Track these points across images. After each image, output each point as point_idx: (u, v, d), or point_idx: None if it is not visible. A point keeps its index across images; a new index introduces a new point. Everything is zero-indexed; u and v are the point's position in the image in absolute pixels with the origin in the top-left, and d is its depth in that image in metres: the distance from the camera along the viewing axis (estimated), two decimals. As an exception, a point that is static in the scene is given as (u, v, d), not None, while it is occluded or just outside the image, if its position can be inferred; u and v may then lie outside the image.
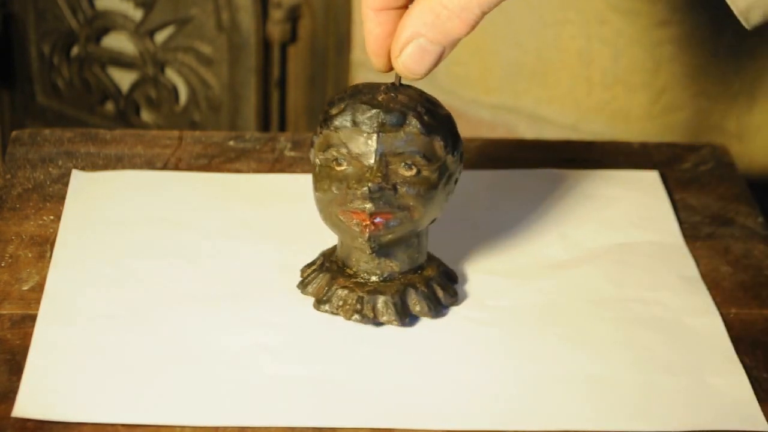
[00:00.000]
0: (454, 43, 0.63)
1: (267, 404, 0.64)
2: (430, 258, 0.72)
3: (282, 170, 0.83)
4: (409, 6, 0.63)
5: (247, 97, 1.35)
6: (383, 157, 0.66)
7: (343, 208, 0.67)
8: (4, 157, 0.83)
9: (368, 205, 0.66)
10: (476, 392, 0.66)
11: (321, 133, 0.67)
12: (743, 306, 0.73)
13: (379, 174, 0.66)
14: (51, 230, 0.76)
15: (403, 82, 0.67)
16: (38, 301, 0.70)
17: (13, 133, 0.84)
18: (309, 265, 0.72)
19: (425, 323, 0.70)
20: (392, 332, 0.69)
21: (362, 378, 0.66)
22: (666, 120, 1.18)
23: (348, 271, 0.70)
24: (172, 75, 1.40)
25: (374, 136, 0.66)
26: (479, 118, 1.26)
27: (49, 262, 0.73)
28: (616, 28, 1.16)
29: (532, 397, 0.66)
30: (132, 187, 0.80)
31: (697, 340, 0.70)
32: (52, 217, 0.77)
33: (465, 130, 0.84)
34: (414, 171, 0.66)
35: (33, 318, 0.69)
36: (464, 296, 0.72)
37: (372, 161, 0.66)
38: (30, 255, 0.73)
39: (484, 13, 0.62)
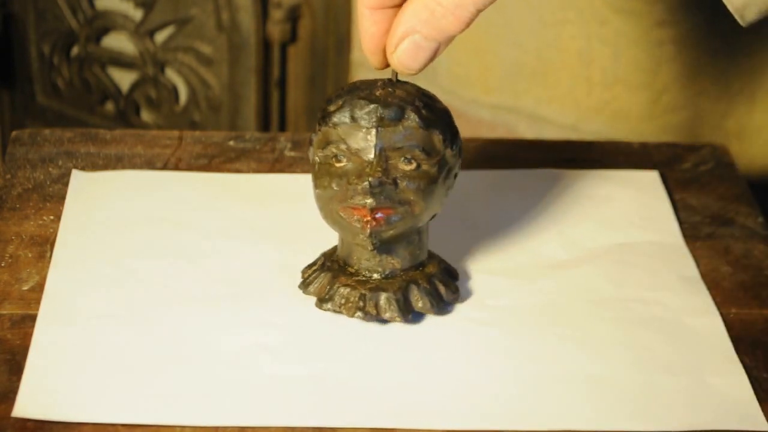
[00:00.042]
0: (449, 40, 0.64)
1: (267, 404, 0.64)
2: (431, 255, 0.72)
3: (282, 170, 0.83)
4: (405, 3, 0.64)
5: (247, 97, 1.35)
6: (383, 152, 0.66)
7: (344, 205, 0.67)
8: (4, 157, 0.83)
9: (369, 201, 0.66)
10: (476, 392, 0.66)
11: (319, 130, 0.67)
12: (743, 306, 0.74)
13: (379, 169, 0.66)
14: (51, 230, 0.76)
15: (400, 78, 0.67)
16: (38, 301, 0.70)
17: (13, 133, 0.84)
18: (310, 266, 0.72)
19: (425, 323, 0.70)
20: (392, 332, 0.69)
21: (362, 378, 0.66)
22: (666, 120, 1.18)
23: (349, 269, 0.70)
24: (172, 75, 1.40)
25: (373, 131, 0.66)
26: (479, 118, 1.26)
27: (49, 262, 0.73)
28: (616, 28, 1.16)
29: (533, 397, 0.66)
30: (132, 187, 0.80)
31: (697, 340, 0.70)
32: (52, 217, 0.77)
33: (465, 130, 0.84)
34: (414, 165, 0.67)
35: (33, 318, 0.69)
36: (464, 296, 0.72)
37: (372, 156, 0.66)
38: (30, 255, 0.73)
39: (478, 11, 0.63)
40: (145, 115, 1.45)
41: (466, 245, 0.77)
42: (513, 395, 0.66)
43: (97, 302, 0.70)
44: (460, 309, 0.72)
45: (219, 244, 0.75)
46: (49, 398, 0.63)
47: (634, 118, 1.19)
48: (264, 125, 1.38)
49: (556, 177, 0.84)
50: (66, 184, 0.79)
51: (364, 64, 1.31)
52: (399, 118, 0.66)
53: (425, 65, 0.64)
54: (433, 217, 0.69)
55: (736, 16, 0.64)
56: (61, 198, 0.78)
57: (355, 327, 0.69)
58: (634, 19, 1.15)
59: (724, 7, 0.64)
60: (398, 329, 0.70)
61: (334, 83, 1.37)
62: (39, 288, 0.71)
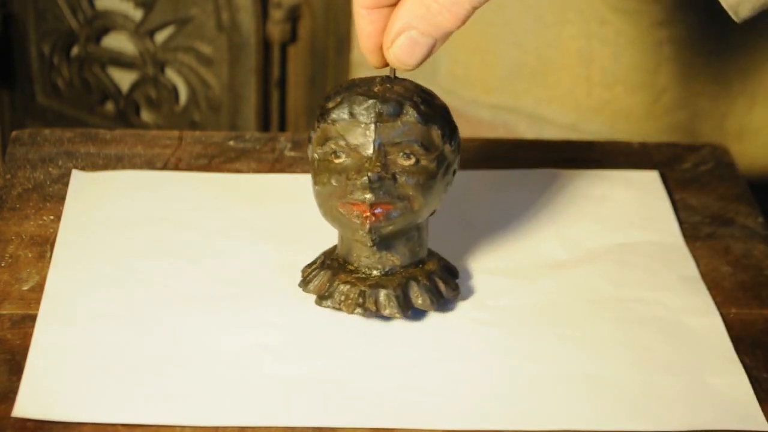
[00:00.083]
0: (446, 37, 0.64)
1: (267, 404, 0.64)
2: (431, 253, 0.72)
3: (282, 170, 0.83)
4: (401, 1, 0.64)
5: (247, 97, 1.35)
6: (381, 147, 0.66)
7: (343, 201, 0.67)
8: (4, 157, 0.83)
9: (368, 195, 0.66)
10: (476, 392, 0.66)
11: (318, 127, 0.68)
12: (743, 306, 0.74)
13: (378, 164, 0.66)
14: (51, 230, 0.76)
15: (398, 75, 0.67)
16: (38, 301, 0.70)
17: (13, 133, 0.84)
18: (310, 265, 0.72)
19: (426, 323, 0.70)
20: (392, 332, 0.69)
21: (362, 378, 0.66)
22: (666, 120, 1.18)
23: (349, 267, 0.70)
24: (172, 75, 1.40)
25: (372, 127, 0.66)
26: (479, 118, 1.26)
27: (49, 262, 0.73)
28: (616, 28, 1.16)
29: (533, 397, 0.66)
30: (132, 187, 0.80)
31: (697, 340, 0.70)
32: (52, 217, 0.77)
33: (465, 130, 0.84)
34: (413, 160, 0.67)
35: (33, 318, 0.69)
36: (465, 296, 0.72)
37: (370, 151, 0.66)
38: (30, 255, 0.73)
39: (474, 8, 0.63)
40: (145, 115, 1.45)
41: (466, 245, 0.77)
42: (513, 395, 0.66)
43: (97, 302, 0.70)
44: (460, 309, 0.72)
45: (219, 244, 0.75)
46: (49, 398, 0.63)
47: (634, 118, 1.19)
48: (264, 125, 1.38)
49: (556, 177, 0.84)
50: (66, 184, 0.79)
51: (364, 64, 1.31)
52: (397, 113, 0.66)
53: (422, 61, 0.65)
54: (432, 213, 0.69)
55: (730, 13, 0.64)
56: (61, 198, 0.78)
57: (355, 327, 0.69)
58: (633, 18, 1.15)
59: (719, 4, 0.64)
60: (398, 329, 0.70)
61: (334, 83, 1.37)
62: (39, 288, 0.71)
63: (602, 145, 0.89)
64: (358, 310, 0.68)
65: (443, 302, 0.70)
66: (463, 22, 0.64)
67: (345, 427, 0.63)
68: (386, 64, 0.66)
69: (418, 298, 0.69)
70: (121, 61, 1.42)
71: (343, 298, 0.69)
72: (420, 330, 0.70)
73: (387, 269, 0.70)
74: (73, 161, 0.82)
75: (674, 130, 1.19)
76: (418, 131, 0.66)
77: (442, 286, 0.70)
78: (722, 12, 0.66)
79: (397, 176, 0.67)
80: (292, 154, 0.85)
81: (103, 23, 1.41)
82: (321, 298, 0.70)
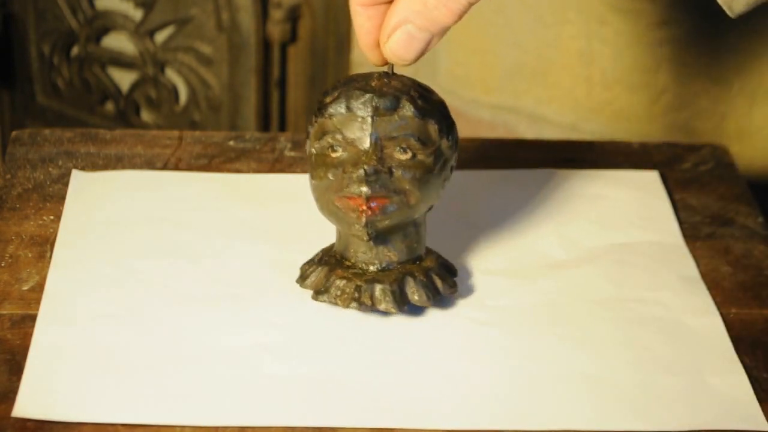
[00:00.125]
0: (442, 32, 0.64)
1: (267, 404, 0.64)
2: (429, 251, 0.72)
3: (282, 170, 0.83)
4: None
5: (247, 97, 1.35)
6: (378, 141, 0.66)
7: (339, 194, 0.67)
8: (4, 157, 0.83)
9: (364, 189, 0.66)
10: (476, 392, 0.66)
11: (316, 121, 0.68)
12: (743, 306, 0.74)
13: (375, 157, 0.66)
14: (51, 230, 0.76)
15: (396, 71, 0.67)
16: (38, 301, 0.70)
17: (13, 133, 0.84)
18: (308, 262, 0.72)
19: (426, 323, 0.70)
20: (392, 333, 0.69)
21: (362, 378, 0.66)
22: (666, 120, 1.18)
23: (347, 263, 0.70)
24: (172, 75, 1.40)
25: (368, 120, 0.66)
26: (479, 118, 1.26)
27: (49, 262, 0.73)
28: (616, 28, 1.16)
29: (532, 396, 0.66)
30: (132, 187, 0.80)
31: (697, 340, 0.70)
32: (52, 217, 0.77)
33: (465, 130, 0.84)
34: (409, 155, 0.67)
35: (33, 318, 0.69)
36: (465, 295, 0.72)
37: (367, 145, 0.66)
38: (30, 255, 0.73)
39: (470, 4, 0.63)
40: (145, 115, 1.45)
41: (466, 245, 0.77)
42: (513, 395, 0.66)
43: (97, 302, 0.70)
44: (460, 309, 0.72)
45: (219, 244, 0.75)
46: (49, 398, 0.63)
47: (634, 118, 1.19)
48: (264, 125, 1.38)
49: (556, 177, 0.84)
50: (66, 184, 0.79)
51: (364, 64, 1.31)
52: (394, 107, 0.66)
53: (418, 56, 0.65)
54: (429, 209, 0.69)
55: (725, 8, 0.64)
56: (61, 198, 0.78)
57: (355, 327, 0.69)
58: (634, 19, 1.15)
59: (714, 0, 0.64)
60: (399, 330, 0.70)
61: (334, 83, 1.37)
62: (39, 288, 0.71)
63: (602, 145, 0.89)
64: (354, 304, 0.68)
65: (440, 299, 0.70)
66: (460, 17, 0.64)
67: (345, 427, 0.63)
68: (386, 62, 0.66)
69: (414, 294, 0.69)
70: (121, 61, 1.42)
71: (339, 292, 0.69)
72: (420, 330, 0.70)
73: (384, 265, 0.70)
74: (73, 161, 0.82)
75: (674, 130, 1.19)
76: (415, 125, 0.67)
77: (438, 283, 0.70)
78: (719, 10, 0.66)
79: (394, 170, 0.67)
80: (292, 154, 0.85)
81: (103, 23, 1.41)
82: (317, 293, 0.70)
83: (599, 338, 0.70)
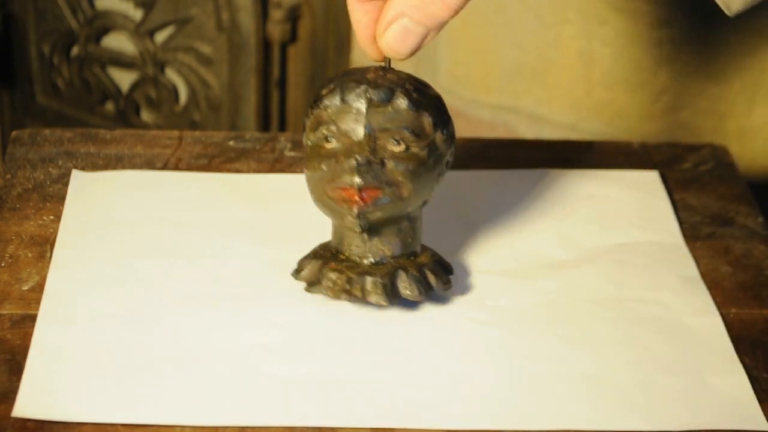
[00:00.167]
0: (439, 27, 0.64)
1: (267, 404, 0.64)
2: (425, 248, 0.71)
3: (282, 170, 0.83)
4: None
5: (247, 97, 1.35)
6: (372, 133, 0.66)
7: (332, 185, 0.67)
8: (4, 157, 0.83)
9: (356, 179, 0.66)
10: (476, 392, 0.66)
11: (312, 113, 0.68)
12: (743, 306, 0.74)
13: (367, 148, 0.66)
14: (51, 230, 0.76)
15: (393, 66, 0.67)
16: (38, 301, 0.70)
17: (13, 133, 0.84)
18: (305, 256, 0.72)
19: (425, 323, 0.70)
20: (392, 332, 0.69)
21: (362, 378, 0.66)
22: (666, 120, 1.18)
23: (341, 256, 0.70)
24: (172, 75, 1.40)
25: (362, 112, 0.66)
26: (479, 118, 1.26)
27: (49, 262, 0.73)
28: (616, 28, 1.16)
29: (532, 397, 0.66)
30: (132, 187, 0.80)
31: (697, 340, 0.70)
32: (52, 217, 0.77)
33: (465, 130, 0.84)
34: (403, 147, 0.67)
35: (33, 318, 0.69)
36: (464, 295, 0.72)
37: (360, 136, 0.66)
38: (30, 255, 0.73)
39: (467, 0, 0.63)
40: (145, 115, 1.45)
41: (466, 245, 0.77)
42: (513, 395, 0.66)
43: (97, 302, 0.70)
44: (459, 308, 0.71)
45: (219, 244, 0.75)
46: (49, 398, 0.63)
47: (634, 118, 1.19)
48: (264, 125, 1.38)
49: (556, 177, 0.84)
50: (66, 184, 0.79)
51: (365, 63, 1.30)
52: (388, 99, 0.66)
53: (414, 50, 0.65)
54: (424, 204, 0.69)
55: (723, 7, 0.64)
56: (61, 198, 0.78)
57: (355, 327, 0.69)
58: (634, 19, 1.15)
59: (712, 0, 0.64)
60: (399, 330, 0.70)
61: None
62: (39, 288, 0.71)
63: (602, 145, 0.89)
64: (344, 295, 0.68)
65: (432, 294, 0.70)
66: (456, 12, 0.64)
67: (345, 427, 0.63)
68: (384, 57, 0.67)
69: (406, 289, 0.69)
70: (121, 61, 1.43)
71: (330, 284, 0.69)
72: (420, 330, 0.70)
73: (377, 259, 0.70)
74: (73, 161, 0.82)
75: (674, 130, 1.19)
76: (409, 118, 0.67)
77: (432, 278, 0.70)
78: (718, 10, 0.66)
79: (386, 162, 0.67)
80: (292, 154, 0.85)
81: (103, 23, 1.41)
82: (310, 285, 0.70)
83: (599, 338, 0.70)
